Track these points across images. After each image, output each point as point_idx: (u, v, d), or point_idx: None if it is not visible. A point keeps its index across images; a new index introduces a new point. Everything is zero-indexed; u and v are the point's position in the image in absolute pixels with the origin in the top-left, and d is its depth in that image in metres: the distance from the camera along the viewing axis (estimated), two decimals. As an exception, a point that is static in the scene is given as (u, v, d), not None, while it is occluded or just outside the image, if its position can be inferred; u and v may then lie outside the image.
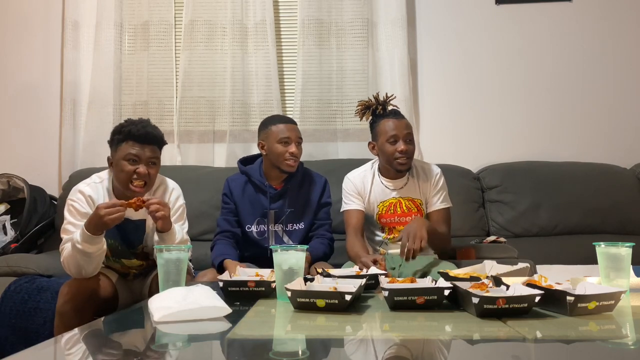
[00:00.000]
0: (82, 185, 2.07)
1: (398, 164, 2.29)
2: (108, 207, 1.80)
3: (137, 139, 1.98)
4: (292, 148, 2.28)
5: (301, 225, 2.35)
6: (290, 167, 2.30)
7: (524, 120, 3.27)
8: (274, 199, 2.33)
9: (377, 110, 2.37)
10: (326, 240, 2.36)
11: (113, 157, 2.03)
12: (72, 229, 1.93)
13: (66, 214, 2.00)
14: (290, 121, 2.40)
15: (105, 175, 2.10)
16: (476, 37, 3.31)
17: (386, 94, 2.42)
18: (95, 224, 1.81)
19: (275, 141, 2.30)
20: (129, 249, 2.08)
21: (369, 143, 2.40)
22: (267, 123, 2.38)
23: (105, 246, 1.92)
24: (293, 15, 3.32)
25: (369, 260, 2.00)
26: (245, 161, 2.45)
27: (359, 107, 2.43)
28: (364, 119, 2.42)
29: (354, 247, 2.26)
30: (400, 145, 2.27)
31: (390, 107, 2.40)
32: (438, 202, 2.36)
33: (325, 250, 2.34)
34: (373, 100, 2.39)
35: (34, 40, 3.32)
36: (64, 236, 1.95)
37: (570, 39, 3.29)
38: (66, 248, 1.91)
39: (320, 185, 2.40)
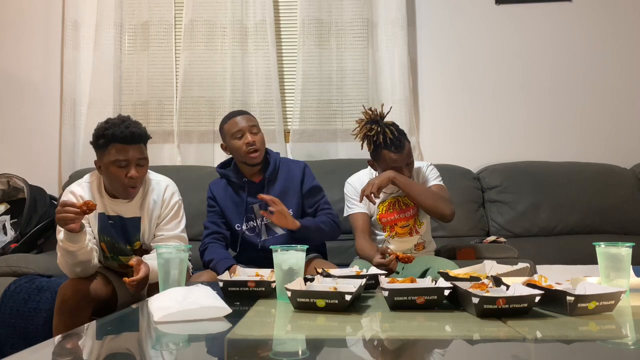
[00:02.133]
0: (74, 186, 2.07)
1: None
2: (62, 206, 1.78)
3: (122, 141, 1.94)
4: (247, 138, 2.21)
5: (290, 212, 2.21)
6: (254, 159, 2.23)
7: (524, 120, 3.28)
8: (255, 193, 2.25)
9: (377, 140, 2.27)
10: (329, 217, 2.29)
11: (100, 160, 2.00)
12: None
13: None
14: (240, 113, 2.32)
15: (95, 175, 2.09)
16: (476, 37, 3.31)
17: (382, 110, 2.31)
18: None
19: (230, 138, 2.25)
20: (126, 246, 2.08)
21: (369, 160, 2.39)
22: (221, 124, 2.33)
23: (90, 245, 1.92)
24: (293, 15, 3.33)
25: (380, 260, 2.00)
26: (224, 165, 2.41)
27: (359, 136, 2.33)
28: (364, 145, 2.34)
29: (364, 248, 2.29)
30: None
31: (389, 132, 2.26)
32: (430, 181, 2.38)
33: (327, 220, 2.27)
34: (370, 125, 2.28)
35: (34, 40, 3.32)
36: (58, 237, 1.95)
37: (570, 39, 3.29)
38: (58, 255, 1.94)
39: (299, 170, 2.34)
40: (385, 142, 2.27)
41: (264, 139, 2.29)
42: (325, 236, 2.32)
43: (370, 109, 2.33)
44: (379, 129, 2.27)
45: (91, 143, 2.03)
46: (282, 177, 2.33)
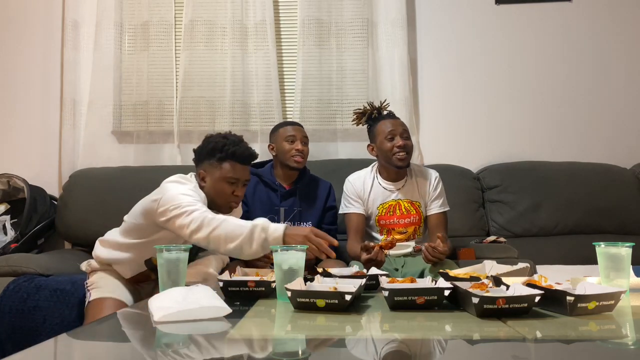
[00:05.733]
0: (191, 184, 1.95)
1: (397, 159, 2.35)
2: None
3: (240, 161, 1.97)
4: (298, 145, 2.45)
5: (309, 225, 2.44)
6: (297, 163, 2.45)
7: (524, 120, 3.28)
8: (284, 197, 2.47)
9: (372, 115, 2.47)
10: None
11: (208, 172, 1.98)
12: (192, 199, 1.81)
13: (182, 189, 1.87)
14: (297, 124, 2.60)
15: (195, 181, 2.01)
16: (476, 37, 3.31)
17: (380, 101, 2.53)
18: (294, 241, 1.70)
19: (282, 140, 2.47)
20: (195, 250, 2.03)
21: (368, 145, 2.47)
22: (276, 127, 2.58)
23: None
24: (293, 15, 3.33)
25: (366, 256, 2.02)
26: (256, 166, 2.55)
27: (355, 116, 2.53)
28: (361, 124, 2.53)
29: (354, 249, 2.30)
30: (398, 141, 2.35)
31: (385, 112, 2.50)
32: (437, 206, 2.41)
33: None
34: (368, 107, 2.49)
35: (34, 40, 3.32)
36: (180, 202, 1.78)
37: (570, 39, 3.29)
38: (218, 220, 1.75)
39: (325, 189, 2.55)
40: (380, 114, 2.47)
41: (309, 152, 2.53)
42: None
43: (369, 102, 2.54)
44: (375, 108, 2.48)
45: (199, 150, 2.00)
46: (312, 191, 2.54)
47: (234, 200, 2.01)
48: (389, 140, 2.36)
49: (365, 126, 2.52)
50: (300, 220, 2.46)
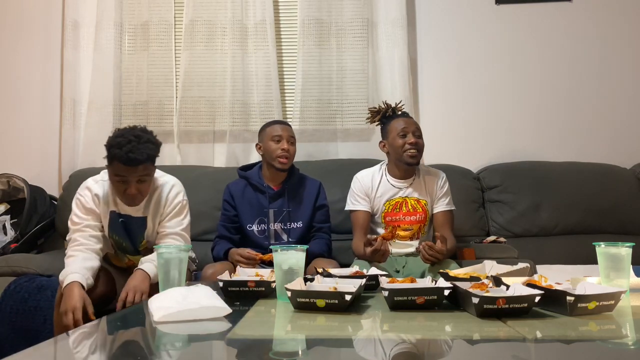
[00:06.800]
0: (91, 182, 2.09)
1: (408, 156, 2.36)
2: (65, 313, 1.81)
3: (122, 163, 1.91)
4: (284, 145, 2.38)
5: (299, 224, 2.41)
6: (282, 164, 2.38)
7: (524, 120, 3.27)
8: (273, 199, 2.41)
9: (387, 113, 2.47)
10: (324, 241, 2.43)
11: (107, 167, 2.00)
12: (78, 220, 2.03)
13: (74, 205, 2.07)
14: (284, 123, 2.53)
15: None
16: (476, 37, 3.31)
17: (396, 102, 2.52)
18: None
19: (268, 139, 2.41)
20: (133, 245, 2.11)
21: (380, 142, 2.49)
22: (264, 126, 2.51)
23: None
24: (293, 15, 3.32)
25: (370, 249, 2.05)
26: (245, 168, 2.55)
27: (369, 114, 2.53)
28: (374, 123, 2.53)
29: (360, 247, 2.29)
30: (410, 138, 2.36)
31: (399, 112, 2.50)
32: (444, 204, 2.41)
33: (323, 248, 2.40)
34: (384, 105, 2.49)
35: (34, 40, 3.32)
36: (70, 226, 2.03)
37: (570, 39, 3.29)
38: (69, 248, 1.99)
39: (315, 188, 2.49)
40: (395, 113, 2.46)
41: (295, 152, 2.46)
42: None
43: (385, 102, 2.54)
44: (390, 107, 2.47)
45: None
46: (301, 190, 2.47)
47: (127, 198, 1.98)
48: (401, 137, 2.37)
49: (372, 125, 2.55)
50: (290, 221, 2.40)
